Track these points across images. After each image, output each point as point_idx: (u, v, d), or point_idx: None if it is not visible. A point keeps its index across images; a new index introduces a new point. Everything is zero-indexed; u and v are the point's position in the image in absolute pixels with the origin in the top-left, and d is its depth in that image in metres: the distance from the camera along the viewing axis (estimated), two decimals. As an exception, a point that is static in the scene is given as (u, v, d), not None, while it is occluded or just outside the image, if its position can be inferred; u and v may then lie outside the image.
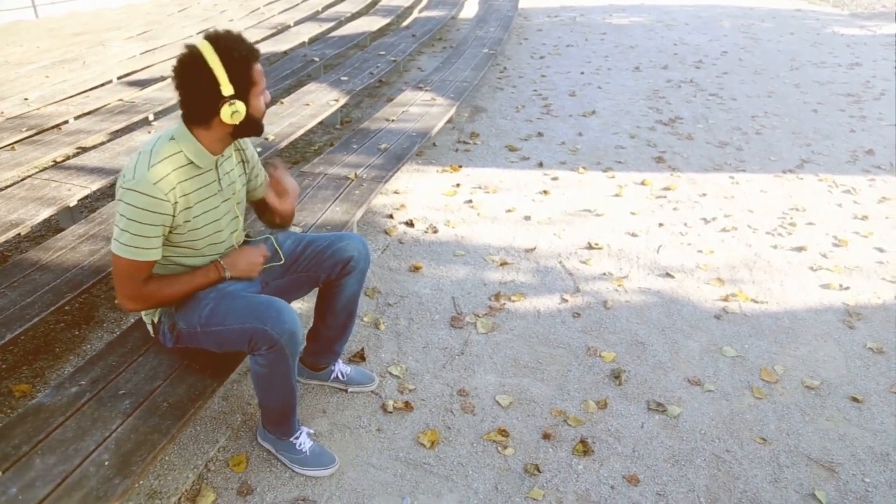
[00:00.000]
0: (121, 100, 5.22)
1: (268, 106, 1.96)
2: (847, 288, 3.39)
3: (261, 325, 1.89)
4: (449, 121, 5.54)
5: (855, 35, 9.64)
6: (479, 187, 4.49)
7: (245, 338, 1.92)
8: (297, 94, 5.36)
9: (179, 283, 1.98)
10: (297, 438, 2.24)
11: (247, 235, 2.28)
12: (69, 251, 2.91)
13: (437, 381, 2.69)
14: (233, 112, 1.81)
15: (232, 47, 1.78)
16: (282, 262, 2.25)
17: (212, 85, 1.77)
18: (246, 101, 1.83)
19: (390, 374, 2.72)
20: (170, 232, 1.91)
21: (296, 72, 6.08)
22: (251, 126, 1.91)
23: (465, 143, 5.30)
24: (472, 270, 3.49)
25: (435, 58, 7.87)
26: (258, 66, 1.85)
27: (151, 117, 4.97)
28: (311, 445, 2.25)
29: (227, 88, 1.77)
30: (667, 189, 4.51)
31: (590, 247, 3.75)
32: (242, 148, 2.15)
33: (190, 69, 1.77)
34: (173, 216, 1.86)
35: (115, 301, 3.14)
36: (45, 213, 3.22)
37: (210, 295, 2.00)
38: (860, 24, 10.47)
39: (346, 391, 2.60)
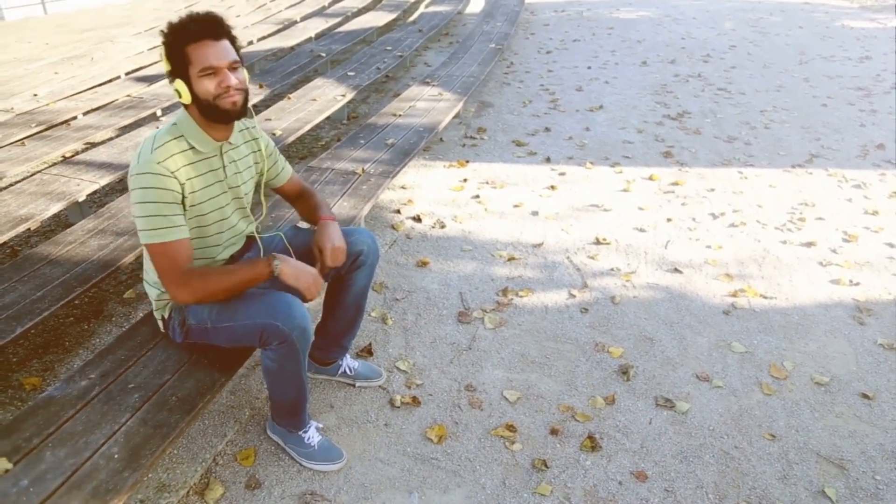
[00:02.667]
0: (129, 95, 5.23)
1: (230, 91, 1.85)
2: (857, 283, 3.37)
3: (272, 321, 1.89)
4: (456, 116, 5.53)
5: (865, 28, 9.56)
6: (487, 182, 4.48)
7: (256, 333, 1.92)
8: (304, 90, 5.36)
9: (221, 273, 1.90)
10: (305, 432, 2.25)
11: (256, 231, 2.28)
12: (78, 246, 2.92)
13: (444, 377, 2.69)
14: (175, 90, 1.86)
15: (168, 28, 1.83)
16: None
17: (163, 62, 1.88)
18: (186, 80, 1.84)
19: (398, 368, 2.72)
20: None
21: (303, 67, 6.08)
22: (207, 109, 1.87)
23: (472, 138, 5.29)
24: (479, 265, 3.49)
25: (441, 53, 7.86)
26: (200, 45, 1.80)
27: (159, 112, 4.99)
28: (319, 440, 2.26)
29: (165, 65, 1.86)
30: (675, 184, 4.49)
31: (597, 242, 3.73)
32: (255, 137, 2.16)
33: None
34: (182, 195, 1.87)
35: (125, 294, 3.15)
36: (55, 208, 3.24)
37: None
38: (870, 17, 10.38)
39: (353, 386, 2.60)
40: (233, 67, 1.86)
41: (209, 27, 1.83)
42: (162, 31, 1.85)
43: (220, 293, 1.90)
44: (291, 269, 1.93)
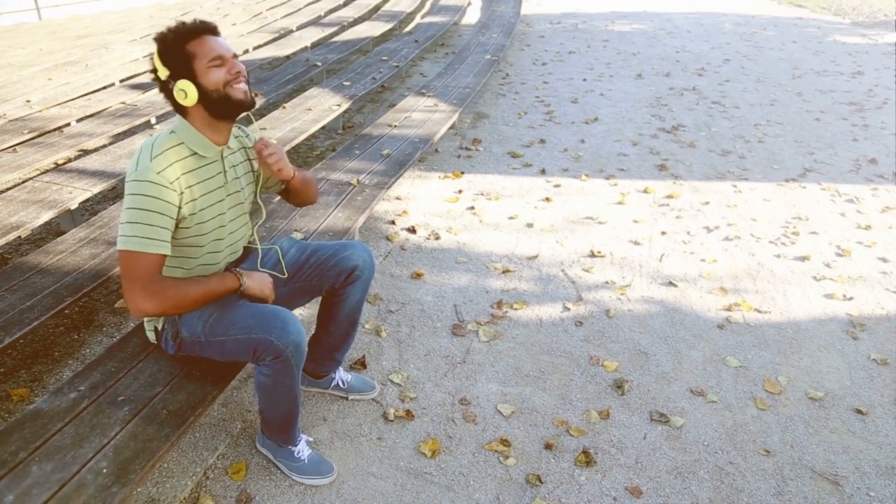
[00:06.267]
0: (123, 103, 5.21)
1: (240, 77, 1.86)
2: (850, 298, 3.37)
3: (266, 336, 1.87)
4: (451, 127, 5.53)
5: (856, 44, 9.65)
6: (482, 194, 4.48)
7: (250, 348, 1.90)
8: (299, 99, 5.35)
9: (192, 282, 1.88)
10: (295, 446, 2.22)
11: (249, 243, 2.26)
12: (69, 254, 2.89)
13: (438, 390, 2.67)
14: (179, 91, 1.81)
15: (165, 31, 1.83)
16: (284, 276, 2.23)
17: (155, 73, 1.86)
18: (191, 77, 1.81)
19: (391, 382, 2.70)
20: (176, 227, 1.87)
21: (298, 76, 6.08)
22: (218, 102, 1.85)
23: (467, 149, 5.29)
24: (474, 278, 3.47)
25: (437, 63, 7.87)
26: (202, 40, 1.82)
27: (153, 120, 4.96)
28: (309, 453, 2.23)
29: (162, 72, 1.83)
30: (669, 197, 4.49)
31: (592, 255, 3.73)
32: (248, 146, 2.15)
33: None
34: (179, 207, 1.83)
35: (116, 304, 3.12)
36: (46, 216, 3.21)
37: (214, 303, 1.98)
38: (861, 33, 10.48)
39: (346, 399, 2.58)
40: (235, 56, 1.88)
41: (206, 24, 1.86)
42: (155, 38, 1.85)
43: (188, 304, 1.86)
44: (255, 282, 2.02)
